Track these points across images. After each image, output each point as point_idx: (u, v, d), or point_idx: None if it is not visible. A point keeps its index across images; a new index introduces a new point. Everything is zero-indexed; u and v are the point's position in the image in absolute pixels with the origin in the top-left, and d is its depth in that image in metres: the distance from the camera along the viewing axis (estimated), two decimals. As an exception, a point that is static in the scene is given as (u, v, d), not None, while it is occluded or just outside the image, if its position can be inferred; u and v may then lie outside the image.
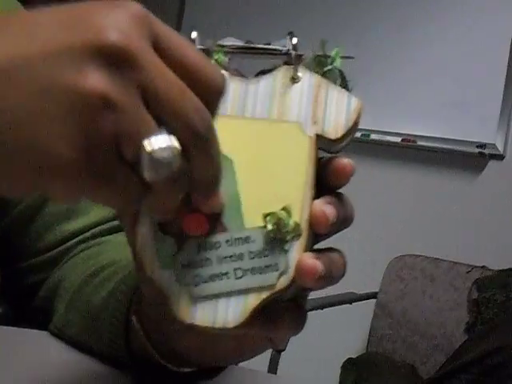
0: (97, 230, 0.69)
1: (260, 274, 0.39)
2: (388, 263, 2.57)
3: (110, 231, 0.69)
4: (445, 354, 2.31)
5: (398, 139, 2.69)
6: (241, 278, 0.39)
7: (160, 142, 0.34)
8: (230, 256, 0.39)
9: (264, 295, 0.39)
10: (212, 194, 0.38)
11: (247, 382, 0.56)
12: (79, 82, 0.32)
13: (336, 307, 2.17)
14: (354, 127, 0.42)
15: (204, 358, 0.47)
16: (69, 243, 0.67)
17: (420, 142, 2.67)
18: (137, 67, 0.33)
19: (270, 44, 0.43)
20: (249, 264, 0.39)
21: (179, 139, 0.35)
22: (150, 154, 0.33)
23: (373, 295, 2.53)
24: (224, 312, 0.39)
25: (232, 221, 0.40)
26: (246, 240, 0.39)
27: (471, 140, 2.56)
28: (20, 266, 0.68)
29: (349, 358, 2.42)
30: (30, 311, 0.69)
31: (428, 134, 2.64)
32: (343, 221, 0.41)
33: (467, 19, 2.61)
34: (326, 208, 0.39)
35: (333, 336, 2.66)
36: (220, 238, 0.40)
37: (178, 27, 3.13)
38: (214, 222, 0.40)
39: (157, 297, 0.41)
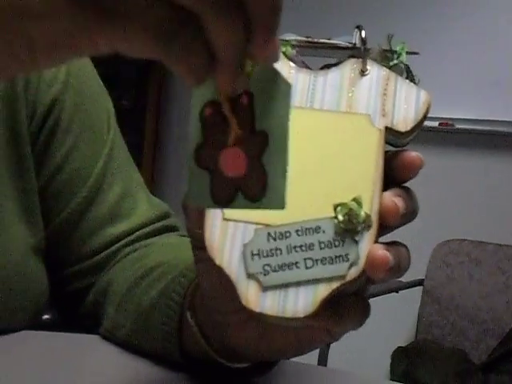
0: (141, 232, 0.69)
1: (330, 264, 0.39)
2: (433, 249, 2.55)
3: (154, 233, 0.70)
4: (496, 338, 2.29)
5: (436, 123, 2.66)
6: (311, 267, 0.39)
7: None
8: (300, 246, 0.39)
9: (334, 285, 0.39)
10: (273, 31, 0.32)
11: (300, 376, 0.56)
12: None
13: (383, 296, 2.16)
14: (422, 120, 0.42)
15: (260, 352, 0.47)
16: (114, 247, 0.68)
17: (458, 125, 2.64)
18: None
19: (330, 39, 0.44)
20: (319, 254, 0.39)
21: None
22: None
23: (419, 282, 2.51)
24: (293, 302, 0.39)
25: (273, 161, 0.36)
26: (317, 230, 0.39)
27: None
28: (66, 273, 0.69)
29: (398, 347, 2.41)
30: (79, 316, 0.69)
31: (466, 117, 2.61)
32: (411, 214, 0.41)
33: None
34: (396, 200, 0.39)
35: (381, 325, 2.65)
36: (290, 227, 0.40)
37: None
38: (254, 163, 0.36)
39: (218, 286, 0.41)
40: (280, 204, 0.35)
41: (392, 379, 2.32)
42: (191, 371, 0.53)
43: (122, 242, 0.68)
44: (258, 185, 0.36)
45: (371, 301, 0.43)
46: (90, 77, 0.70)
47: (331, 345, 2.04)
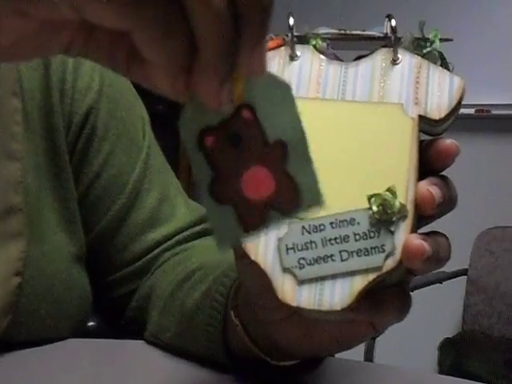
0: (181, 236, 0.69)
1: (366, 255, 0.39)
2: (475, 238, 2.52)
3: (194, 237, 0.70)
4: (545, 325, 2.26)
5: (472, 111, 2.63)
6: (346, 260, 0.39)
7: None
8: (335, 238, 0.39)
9: (370, 277, 0.38)
10: (262, 35, 0.30)
11: (346, 373, 0.56)
12: None
13: (427, 288, 2.14)
14: (457, 107, 0.41)
15: (304, 349, 0.47)
16: (155, 252, 0.68)
17: (495, 111, 2.60)
18: None
19: (364, 31, 0.44)
20: (354, 246, 0.39)
21: None
22: None
23: (463, 272, 2.49)
24: (330, 295, 0.38)
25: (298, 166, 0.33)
26: (351, 222, 0.39)
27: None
28: (109, 279, 0.69)
29: (445, 338, 2.39)
30: (123, 322, 0.70)
31: (503, 102, 2.57)
32: (448, 203, 0.40)
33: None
34: (431, 188, 0.39)
35: (426, 317, 2.63)
36: (324, 220, 0.39)
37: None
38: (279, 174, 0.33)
39: (260, 282, 0.41)
40: (317, 201, 0.33)
41: (440, 371, 2.30)
42: (237, 372, 0.54)
43: (163, 247, 0.69)
44: (290, 196, 0.33)
45: (415, 293, 0.43)
46: (124, 85, 0.71)
47: (377, 339, 2.03)
